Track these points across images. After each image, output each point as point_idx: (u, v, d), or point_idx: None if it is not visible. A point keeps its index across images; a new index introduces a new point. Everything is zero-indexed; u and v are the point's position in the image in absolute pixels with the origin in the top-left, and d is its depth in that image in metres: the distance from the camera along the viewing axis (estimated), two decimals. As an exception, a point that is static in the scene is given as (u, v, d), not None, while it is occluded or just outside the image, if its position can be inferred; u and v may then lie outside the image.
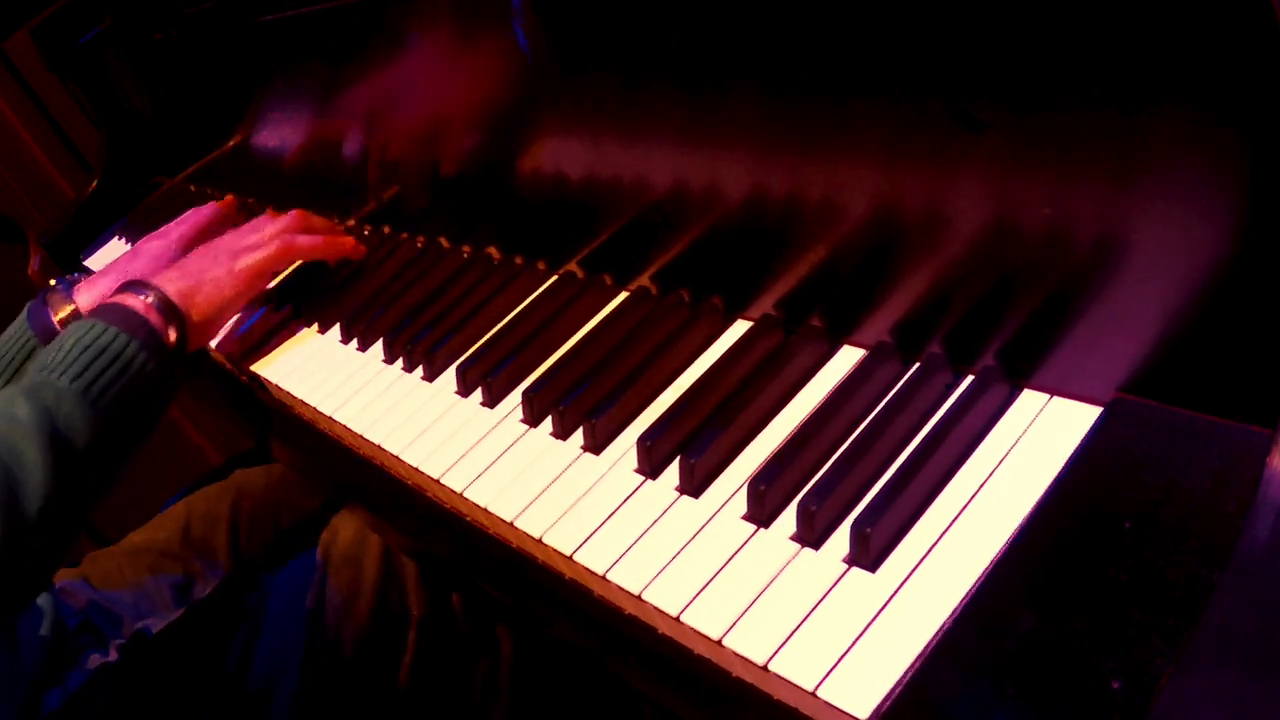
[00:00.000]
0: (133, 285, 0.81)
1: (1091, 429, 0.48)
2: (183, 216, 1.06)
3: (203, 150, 1.37)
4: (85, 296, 0.90)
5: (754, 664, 0.46)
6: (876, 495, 0.49)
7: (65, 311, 0.89)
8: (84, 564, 0.97)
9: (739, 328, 0.67)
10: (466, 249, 0.90)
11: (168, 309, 0.79)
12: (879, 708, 0.42)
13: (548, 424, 0.66)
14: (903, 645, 0.43)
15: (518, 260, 0.85)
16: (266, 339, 0.94)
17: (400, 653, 0.89)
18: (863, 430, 0.54)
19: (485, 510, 0.62)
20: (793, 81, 0.57)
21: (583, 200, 0.76)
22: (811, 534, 0.50)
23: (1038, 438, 0.50)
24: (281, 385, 0.86)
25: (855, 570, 0.48)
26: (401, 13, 0.84)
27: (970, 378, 0.55)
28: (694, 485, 0.56)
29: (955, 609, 0.44)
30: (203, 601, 0.93)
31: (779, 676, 0.45)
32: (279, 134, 1.17)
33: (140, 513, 1.05)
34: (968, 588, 0.44)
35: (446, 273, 0.88)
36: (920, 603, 0.45)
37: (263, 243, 0.89)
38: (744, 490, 0.54)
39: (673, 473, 0.58)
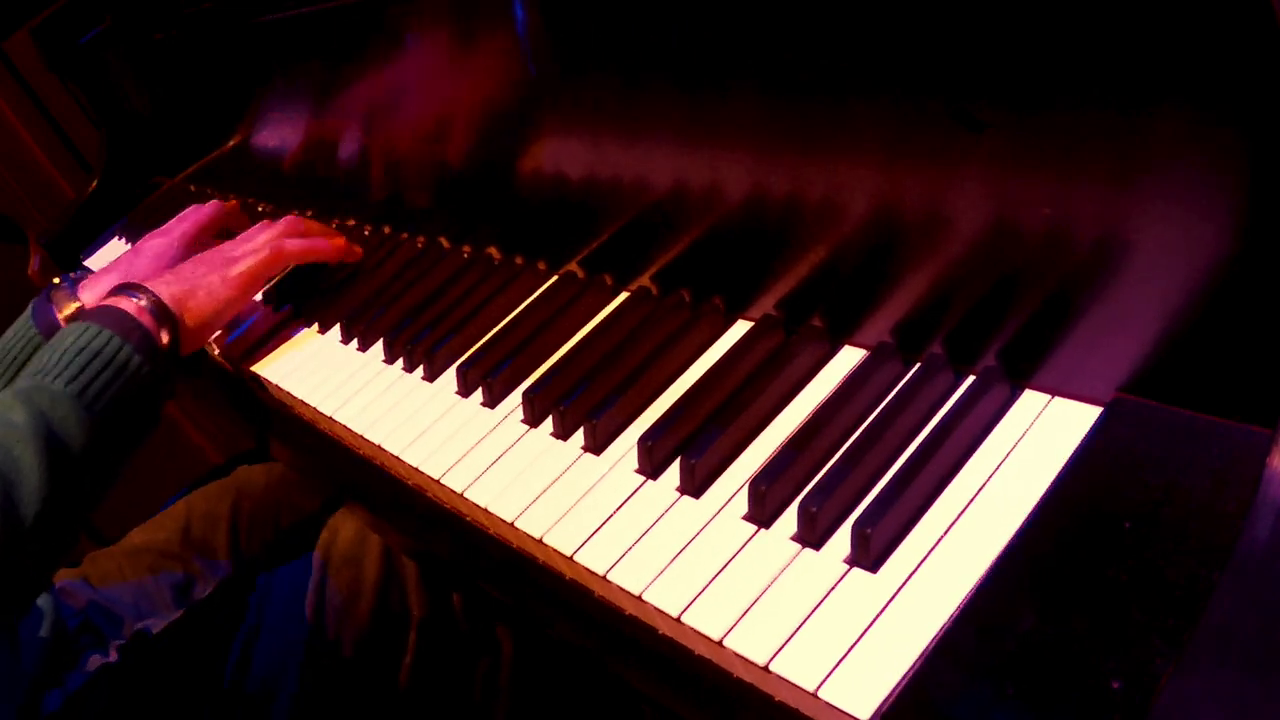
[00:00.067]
0: (126, 288, 0.81)
1: (1092, 429, 0.48)
2: (183, 214, 1.06)
3: (203, 150, 1.37)
4: (90, 294, 0.90)
5: (755, 664, 0.46)
6: (877, 496, 0.49)
7: (70, 309, 0.89)
8: (84, 564, 0.97)
9: (740, 328, 0.67)
10: (467, 249, 0.90)
11: (161, 312, 0.79)
12: (880, 708, 0.42)
13: (548, 424, 0.66)
14: (903, 646, 0.43)
15: (518, 260, 0.85)
16: (266, 339, 0.94)
17: (400, 653, 0.89)
18: (864, 431, 0.54)
19: (486, 510, 0.62)
20: (793, 81, 0.57)
21: (583, 200, 0.76)
22: (812, 535, 0.50)
23: (1038, 438, 0.50)
24: (282, 385, 0.86)
25: (856, 571, 0.48)
26: (401, 13, 0.84)
27: (971, 378, 0.55)
28: (695, 486, 0.56)
29: (956, 609, 0.44)
30: (203, 601, 0.93)
31: (780, 677, 0.45)
32: (279, 134, 1.17)
33: (140, 513, 1.05)
34: (968, 588, 0.44)
35: (447, 273, 0.88)
36: (921, 603, 0.45)
37: (256, 249, 0.89)
38: (745, 491, 0.54)
39: (673, 473, 0.58)
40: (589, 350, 0.70)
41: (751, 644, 0.46)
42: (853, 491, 0.51)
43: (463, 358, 0.75)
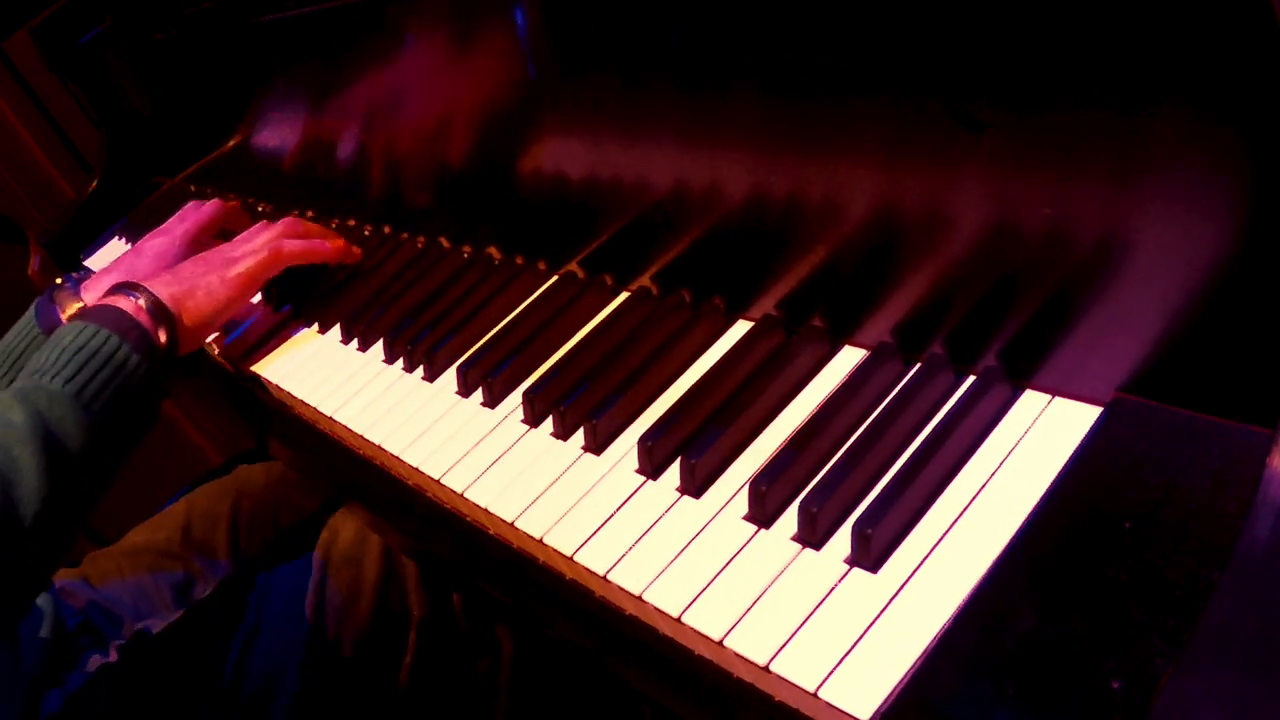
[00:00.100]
0: (124, 287, 0.81)
1: (1092, 429, 0.48)
2: (183, 213, 1.06)
3: (203, 150, 1.37)
4: (92, 295, 0.90)
5: (755, 665, 0.46)
6: (878, 496, 0.49)
7: (73, 309, 0.89)
8: (84, 564, 0.97)
9: (740, 328, 0.67)
10: (467, 249, 0.90)
11: (159, 311, 0.79)
12: (880, 708, 0.42)
13: (548, 424, 0.66)
14: (904, 646, 0.43)
15: (518, 260, 0.85)
16: (266, 339, 0.94)
17: (400, 653, 0.89)
18: (864, 431, 0.54)
19: (486, 511, 0.62)
20: (793, 81, 0.57)
21: (583, 200, 0.76)
22: (813, 535, 0.50)
23: (1038, 438, 0.50)
24: (281, 385, 0.86)
25: (856, 571, 0.48)
26: (401, 13, 0.84)
27: (972, 378, 0.55)
28: (695, 486, 0.56)
29: (956, 609, 0.44)
30: (203, 601, 0.93)
31: (780, 677, 0.45)
32: (279, 134, 1.17)
33: (140, 513, 1.05)
34: (968, 588, 0.44)
35: (447, 273, 0.88)
36: (921, 603, 0.45)
37: (255, 250, 0.89)
38: (745, 491, 0.54)
39: (674, 473, 0.58)
40: (589, 350, 0.70)
41: (752, 644, 0.46)
42: (853, 491, 0.51)
43: (463, 358, 0.75)
